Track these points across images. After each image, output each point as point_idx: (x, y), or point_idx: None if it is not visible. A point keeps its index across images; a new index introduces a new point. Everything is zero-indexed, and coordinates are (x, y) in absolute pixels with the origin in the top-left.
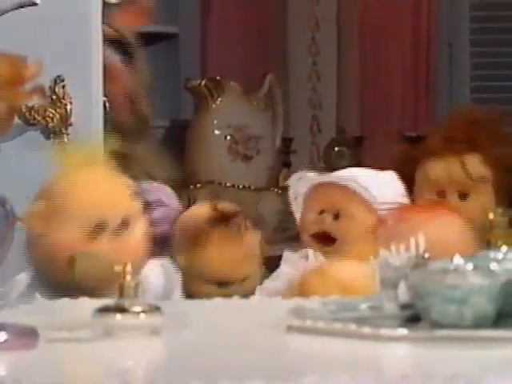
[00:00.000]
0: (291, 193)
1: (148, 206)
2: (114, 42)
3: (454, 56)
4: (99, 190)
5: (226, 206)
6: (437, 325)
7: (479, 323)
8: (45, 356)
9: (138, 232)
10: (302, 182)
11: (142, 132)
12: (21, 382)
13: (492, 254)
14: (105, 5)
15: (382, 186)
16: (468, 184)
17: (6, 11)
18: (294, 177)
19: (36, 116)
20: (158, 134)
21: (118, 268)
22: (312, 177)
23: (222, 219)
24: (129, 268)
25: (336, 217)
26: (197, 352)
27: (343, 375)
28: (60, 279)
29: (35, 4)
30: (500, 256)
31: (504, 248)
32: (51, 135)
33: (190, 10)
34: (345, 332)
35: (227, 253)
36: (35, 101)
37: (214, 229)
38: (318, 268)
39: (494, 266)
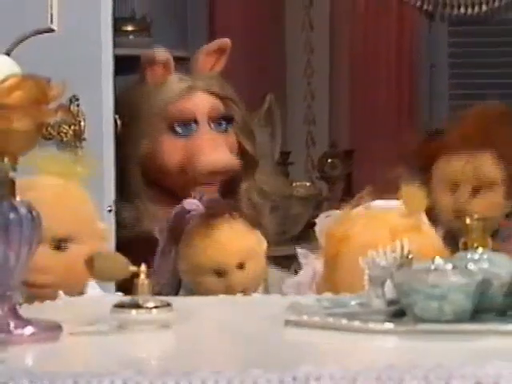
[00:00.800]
0: (318, 230)
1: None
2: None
3: (434, 76)
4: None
5: (213, 200)
6: (420, 319)
7: (458, 318)
8: (67, 348)
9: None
10: (329, 220)
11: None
12: (46, 370)
13: (469, 255)
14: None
15: None
16: (481, 181)
17: (26, 38)
18: (323, 215)
19: (52, 131)
20: None
21: (133, 268)
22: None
23: (213, 215)
24: (143, 268)
25: None
26: (203, 344)
27: (335, 365)
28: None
29: (52, 31)
30: (476, 257)
31: (480, 250)
32: (66, 149)
33: (197, 36)
34: (337, 326)
35: (217, 241)
36: (59, 117)
37: (206, 223)
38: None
39: (471, 265)
